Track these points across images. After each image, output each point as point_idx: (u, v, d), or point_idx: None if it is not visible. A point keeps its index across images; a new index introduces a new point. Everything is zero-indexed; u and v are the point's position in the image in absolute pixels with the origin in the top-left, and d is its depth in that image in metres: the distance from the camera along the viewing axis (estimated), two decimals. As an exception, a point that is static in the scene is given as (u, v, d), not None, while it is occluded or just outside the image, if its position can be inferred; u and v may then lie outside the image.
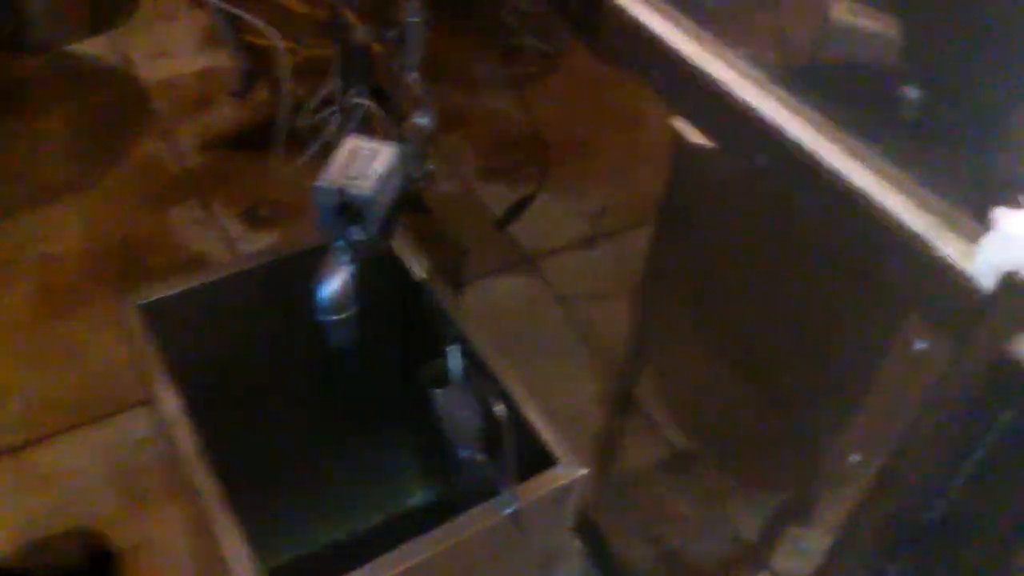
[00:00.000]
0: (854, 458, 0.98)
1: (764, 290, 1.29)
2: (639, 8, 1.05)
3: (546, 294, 2.07)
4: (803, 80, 1.00)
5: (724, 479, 1.59)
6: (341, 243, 1.06)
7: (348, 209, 1.05)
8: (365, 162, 1.09)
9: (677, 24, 1.01)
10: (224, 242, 2.10)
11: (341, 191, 1.03)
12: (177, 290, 1.17)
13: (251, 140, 2.33)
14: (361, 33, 1.47)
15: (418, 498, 1.55)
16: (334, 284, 1.05)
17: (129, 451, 1.67)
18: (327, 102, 1.85)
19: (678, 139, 1.37)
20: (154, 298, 1.15)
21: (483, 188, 2.29)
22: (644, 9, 1.04)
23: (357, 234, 1.06)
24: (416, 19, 1.25)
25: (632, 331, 1.76)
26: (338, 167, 1.06)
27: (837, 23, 1.06)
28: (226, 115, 2.43)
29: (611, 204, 2.27)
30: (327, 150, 1.65)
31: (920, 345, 0.73)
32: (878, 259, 0.81)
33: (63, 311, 1.93)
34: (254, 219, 2.16)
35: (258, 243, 2.11)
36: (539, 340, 1.95)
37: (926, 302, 0.73)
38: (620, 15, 1.06)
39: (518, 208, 2.03)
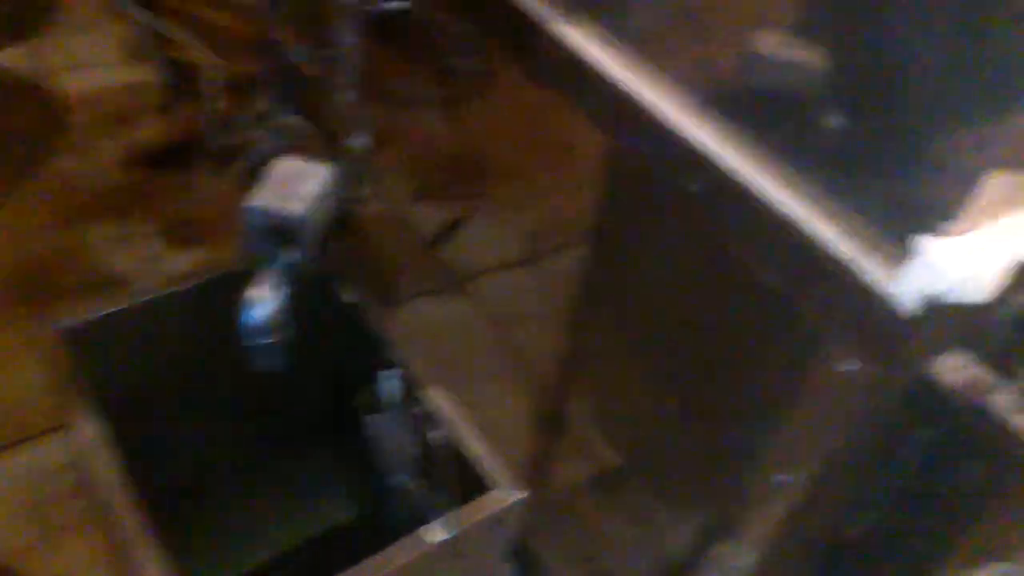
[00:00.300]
0: (781, 478, 1.00)
1: (692, 311, 1.32)
2: (572, 34, 1.06)
3: (478, 315, 2.07)
4: (732, 107, 1.02)
5: (654, 498, 1.61)
6: (271, 265, 1.04)
7: (279, 231, 1.03)
8: (297, 182, 1.07)
9: (611, 50, 1.03)
10: (146, 262, 2.04)
11: (272, 212, 1.02)
12: (100, 313, 1.13)
13: (175, 157, 2.28)
14: (294, 53, 1.46)
15: (342, 517, 1.52)
16: (264, 308, 1.03)
17: (44, 479, 1.60)
18: (257, 120, 1.82)
19: (609, 161, 1.40)
20: (75, 322, 1.11)
21: (415, 209, 2.28)
22: (578, 35, 1.06)
23: (288, 256, 1.05)
24: (351, 39, 1.24)
25: (564, 351, 1.77)
26: (269, 187, 1.05)
27: (761, 53, 1.09)
28: (149, 131, 2.36)
29: (543, 225, 2.29)
30: (255, 169, 1.62)
31: (845, 366, 0.75)
32: (805, 284, 0.83)
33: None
34: (177, 238, 2.11)
35: (181, 263, 2.05)
36: (471, 361, 1.94)
37: (851, 325, 0.75)
38: (554, 41, 1.07)
39: (451, 229, 2.03)
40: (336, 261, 1.29)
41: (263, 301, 1.02)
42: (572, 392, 1.81)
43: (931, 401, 0.64)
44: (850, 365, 0.74)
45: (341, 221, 1.26)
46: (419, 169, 2.39)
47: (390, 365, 1.12)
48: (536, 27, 1.11)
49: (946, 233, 0.67)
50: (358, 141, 1.30)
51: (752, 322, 1.17)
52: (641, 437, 1.63)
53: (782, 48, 1.10)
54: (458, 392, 1.21)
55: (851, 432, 0.70)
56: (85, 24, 2.68)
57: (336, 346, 1.29)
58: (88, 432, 1.01)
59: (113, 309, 1.13)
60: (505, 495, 1.00)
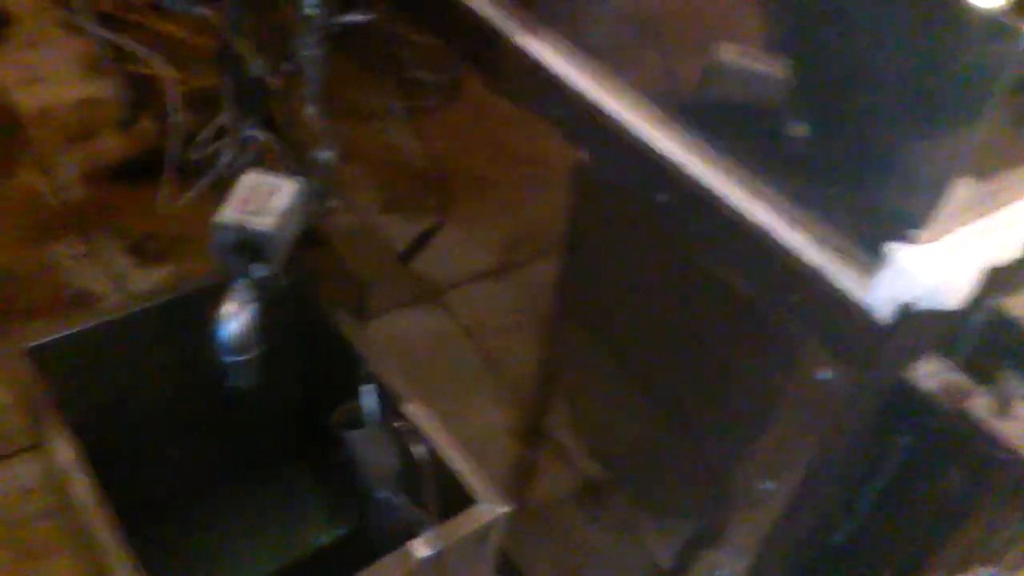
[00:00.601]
0: (765, 485, 1.01)
1: (668, 320, 1.32)
2: (534, 44, 1.06)
3: (452, 327, 2.06)
4: (697, 118, 1.03)
5: (637, 507, 1.61)
6: (241, 281, 1.03)
7: (248, 246, 1.02)
8: (265, 197, 1.06)
9: (574, 61, 1.03)
10: (109, 279, 2.00)
11: (241, 227, 1.00)
12: (67, 332, 1.11)
13: (137, 172, 2.24)
14: (256, 66, 1.44)
15: (323, 539, 1.50)
16: (235, 323, 1.01)
17: (18, 500, 1.56)
18: (219, 134, 1.79)
19: (578, 173, 1.40)
20: (44, 340, 1.09)
21: (383, 221, 2.27)
22: (540, 45, 1.06)
23: (258, 271, 1.03)
24: (314, 52, 1.23)
25: (541, 362, 1.77)
26: (237, 202, 1.03)
27: (724, 64, 1.10)
28: (110, 146, 2.32)
29: (513, 236, 2.29)
30: (219, 183, 1.60)
31: (822, 374, 0.76)
32: (778, 292, 0.83)
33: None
34: (142, 254, 2.07)
35: (147, 279, 2.02)
36: (447, 373, 1.93)
37: (826, 333, 0.76)
38: (518, 53, 1.07)
39: (421, 241, 2.02)
40: (308, 275, 1.27)
41: (235, 316, 1.01)
42: (551, 403, 1.81)
43: (909, 407, 0.65)
44: (827, 372, 0.74)
45: (310, 235, 1.24)
46: (387, 181, 2.38)
47: (367, 379, 1.11)
48: (499, 39, 1.11)
49: (916, 240, 0.67)
50: (324, 154, 1.29)
51: (728, 331, 1.18)
52: (622, 447, 1.64)
53: (744, 59, 1.11)
54: (435, 405, 1.20)
55: (831, 439, 0.71)
56: (40, 38, 2.63)
57: (310, 361, 1.28)
58: (61, 451, 0.99)
59: (82, 327, 1.11)
60: (489, 509, 1.00)
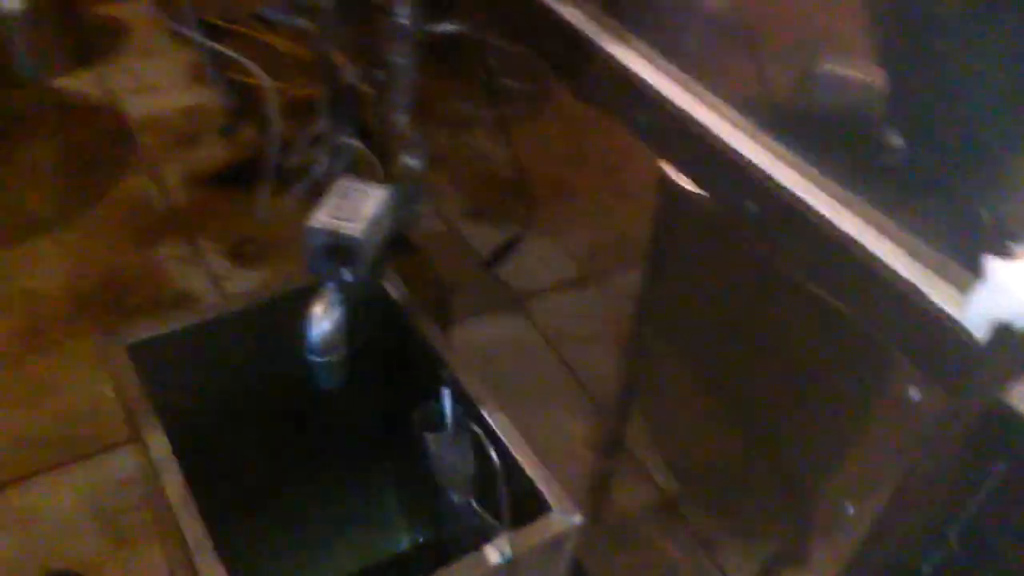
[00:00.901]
0: (848, 509, 0.98)
1: (753, 334, 1.30)
2: (622, 52, 1.06)
3: (533, 335, 2.07)
4: (788, 126, 1.01)
5: (715, 525, 1.58)
6: (331, 284, 1.06)
7: (339, 250, 1.05)
8: (356, 203, 1.09)
9: (661, 68, 1.03)
10: (209, 280, 2.09)
11: (332, 232, 1.03)
12: (165, 330, 1.16)
13: (237, 178, 2.33)
14: (349, 74, 1.48)
15: (404, 543, 1.53)
16: (324, 325, 1.04)
17: (111, 491, 1.64)
18: (315, 142, 1.85)
19: (664, 182, 1.39)
20: (142, 338, 1.14)
21: (468, 228, 2.30)
22: (628, 53, 1.05)
23: (347, 275, 1.06)
24: (405, 60, 1.26)
25: (621, 373, 1.76)
26: (329, 208, 1.06)
27: (818, 71, 1.07)
28: (212, 152, 2.43)
29: (597, 245, 2.28)
30: (314, 190, 1.65)
31: (913, 393, 0.73)
32: (869, 307, 0.81)
33: (46, 348, 1.90)
34: (239, 257, 2.15)
35: (243, 281, 2.09)
36: (526, 382, 1.94)
37: (917, 351, 0.73)
38: (604, 59, 1.07)
39: (505, 249, 2.03)
40: (394, 280, 1.30)
41: (324, 319, 1.04)
42: (630, 416, 1.80)
43: (1005, 432, 0.62)
44: (917, 392, 0.72)
45: (397, 241, 1.27)
46: (472, 189, 2.41)
47: (447, 384, 1.12)
48: (587, 46, 1.11)
49: (1018, 255, 0.65)
50: (413, 161, 1.32)
51: (815, 346, 1.15)
52: (701, 463, 1.61)
53: (839, 67, 1.08)
54: (513, 412, 1.21)
55: (920, 462, 0.68)
56: (150, 49, 2.77)
57: (393, 365, 1.30)
58: (156, 448, 1.04)
59: (179, 326, 1.16)
60: (564, 519, 1.00)
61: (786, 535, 1.34)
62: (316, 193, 1.69)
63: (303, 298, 1.06)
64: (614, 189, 2.42)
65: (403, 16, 1.20)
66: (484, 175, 2.38)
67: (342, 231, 1.03)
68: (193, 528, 0.96)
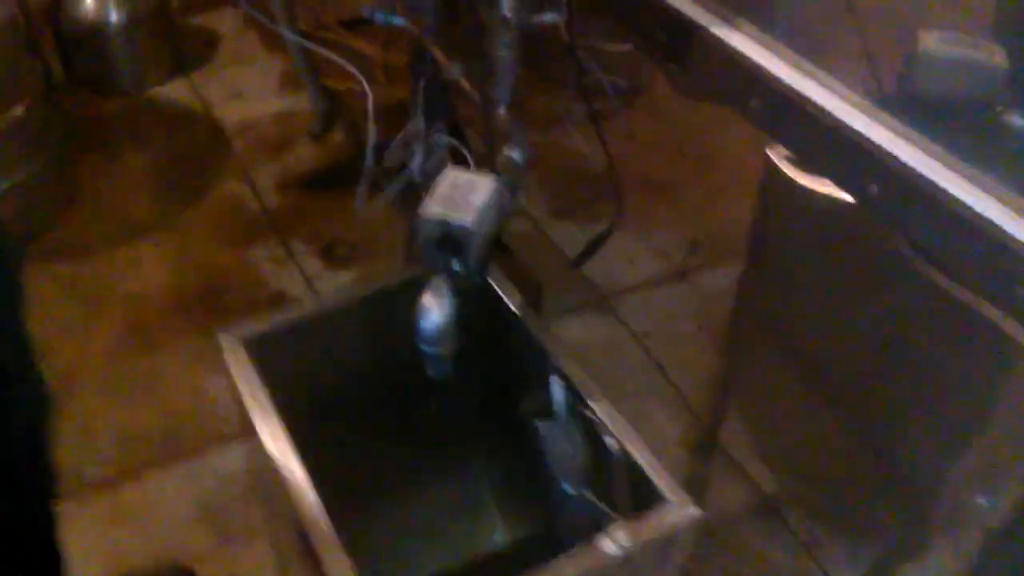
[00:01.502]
0: (979, 500, 0.93)
1: (865, 324, 1.26)
2: (734, 36, 1.04)
3: (623, 333, 2.05)
4: (905, 106, 0.97)
5: (820, 526, 1.54)
6: (442, 275, 1.06)
7: (449, 241, 1.05)
8: (465, 193, 1.09)
9: (774, 51, 1.00)
10: (302, 280, 2.13)
11: (443, 222, 1.04)
12: (280, 325, 1.18)
13: (328, 180, 2.38)
14: (450, 70, 1.49)
15: (500, 535, 1.52)
16: (435, 315, 1.05)
17: (219, 486, 1.68)
18: (408, 143, 1.87)
19: (771, 174, 1.35)
20: (257, 332, 1.16)
21: (555, 226, 2.29)
22: (739, 37, 1.03)
23: (457, 266, 1.06)
24: (507, 53, 1.26)
25: (717, 371, 1.72)
26: (439, 198, 1.07)
27: (931, 51, 1.04)
28: (303, 156, 2.48)
29: (688, 241, 2.25)
30: (408, 189, 1.67)
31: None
32: (1005, 288, 0.78)
33: (149, 347, 1.96)
34: (331, 257, 2.19)
35: (335, 281, 2.13)
36: (617, 380, 1.92)
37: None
38: (714, 44, 1.05)
39: (594, 246, 2.02)
40: (497, 273, 1.30)
41: (435, 309, 1.04)
42: (726, 414, 1.76)
43: None
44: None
45: (497, 234, 1.27)
46: (559, 186, 2.40)
47: (555, 374, 1.12)
48: (696, 33, 1.09)
49: None
50: (515, 154, 1.32)
51: (936, 333, 1.11)
52: (804, 462, 1.57)
53: (957, 47, 1.04)
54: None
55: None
56: (241, 57, 2.85)
57: (497, 357, 1.30)
58: (273, 440, 1.05)
59: (293, 319, 1.18)
60: (680, 510, 0.98)
61: (900, 535, 1.30)
62: (410, 192, 1.71)
63: (413, 290, 1.07)
64: (706, 185, 2.38)
65: (506, 8, 1.20)
66: (571, 172, 2.38)
67: (453, 221, 1.03)
68: (316, 520, 0.97)
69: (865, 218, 1.06)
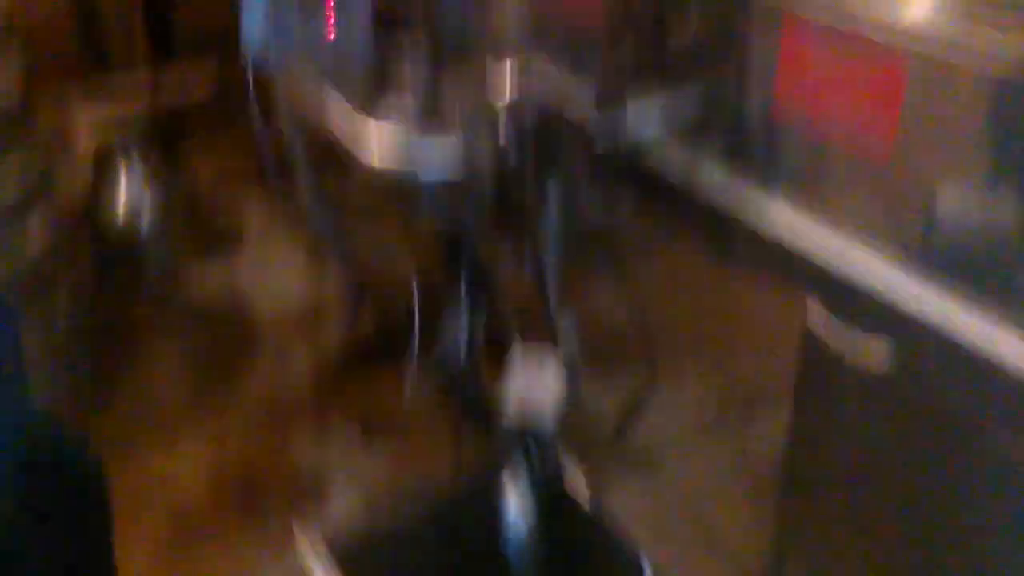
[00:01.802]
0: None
1: (919, 479, 1.28)
2: (768, 215, 1.12)
3: (668, 490, 2.05)
4: (934, 262, 1.03)
5: None
6: (522, 472, 1.10)
7: (529, 427, 1.09)
8: (534, 374, 1.14)
9: (808, 225, 1.08)
10: (347, 459, 2.14)
11: (523, 409, 1.08)
12: (361, 527, 1.19)
13: (362, 362, 2.43)
14: (493, 262, 1.57)
15: None
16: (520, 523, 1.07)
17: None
18: (445, 320, 1.94)
19: (809, 337, 1.41)
20: (339, 531, 1.18)
21: (590, 387, 2.29)
22: (773, 216, 1.11)
23: (535, 463, 1.10)
24: (555, 256, 1.34)
25: (765, 531, 1.71)
26: (518, 383, 1.11)
27: (943, 209, 1.11)
28: (335, 340, 2.53)
29: (723, 398, 2.29)
30: (446, 366, 1.71)
31: None
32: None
33: (194, 543, 1.94)
34: (371, 435, 2.21)
35: (381, 459, 2.13)
36: (666, 541, 1.90)
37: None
38: (748, 229, 1.13)
39: (632, 415, 2.05)
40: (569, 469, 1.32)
41: (518, 514, 1.06)
42: (779, 570, 1.74)
43: None
44: None
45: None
46: (592, 345, 2.43)
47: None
48: (730, 218, 1.18)
49: None
50: (565, 323, 1.37)
51: (998, 492, 1.14)
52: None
53: (964, 204, 1.11)
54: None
55: None
56: (271, 242, 2.95)
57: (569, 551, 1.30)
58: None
59: (375, 524, 1.20)
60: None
61: None
62: (449, 369, 1.76)
63: (490, 489, 1.09)
64: (728, 340, 2.44)
65: (555, 216, 1.30)
66: (602, 333, 2.41)
67: (532, 407, 1.07)
68: None
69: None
